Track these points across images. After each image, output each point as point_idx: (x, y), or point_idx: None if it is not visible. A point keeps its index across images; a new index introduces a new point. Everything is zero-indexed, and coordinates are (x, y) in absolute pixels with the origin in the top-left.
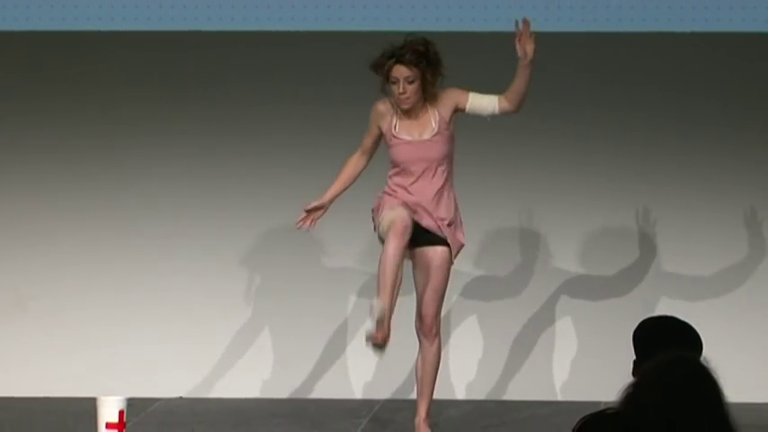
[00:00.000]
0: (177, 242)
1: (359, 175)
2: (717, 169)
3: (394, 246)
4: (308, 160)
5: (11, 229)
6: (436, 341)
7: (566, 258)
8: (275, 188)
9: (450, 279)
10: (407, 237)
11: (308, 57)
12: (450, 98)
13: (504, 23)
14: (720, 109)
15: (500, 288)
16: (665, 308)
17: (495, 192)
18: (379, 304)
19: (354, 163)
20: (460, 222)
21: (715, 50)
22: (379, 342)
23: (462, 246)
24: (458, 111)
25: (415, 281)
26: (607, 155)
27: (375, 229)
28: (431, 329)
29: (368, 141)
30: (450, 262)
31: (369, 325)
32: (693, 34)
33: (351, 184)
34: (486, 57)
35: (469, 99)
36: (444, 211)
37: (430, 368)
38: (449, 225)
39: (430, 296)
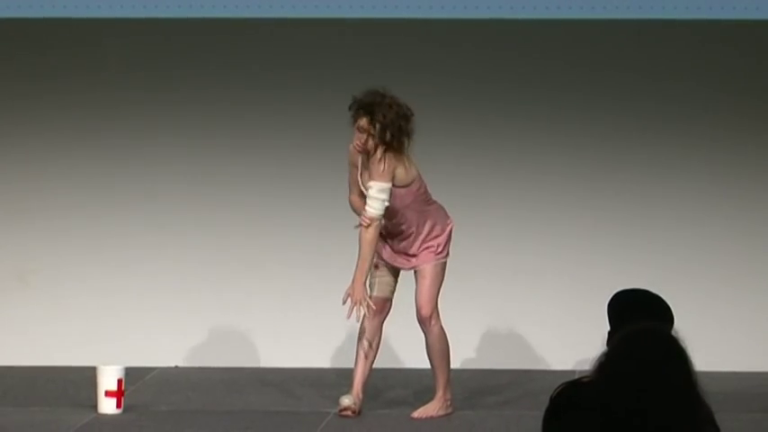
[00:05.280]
0: (173, 216)
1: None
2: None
3: (370, 325)
4: (303, 138)
5: (12, 205)
6: (434, 328)
7: (548, 233)
8: (266, 165)
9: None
10: (384, 315)
11: (304, 44)
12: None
13: (496, 10)
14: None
15: (481, 260)
16: (639, 280)
17: (482, 170)
18: (348, 398)
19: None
20: (441, 232)
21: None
22: (349, 416)
23: (446, 253)
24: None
25: (413, 271)
26: (597, 137)
27: None
28: (426, 318)
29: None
30: (439, 269)
31: (342, 400)
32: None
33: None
34: (479, 45)
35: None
36: (417, 243)
37: (434, 353)
38: (425, 247)
39: (423, 289)
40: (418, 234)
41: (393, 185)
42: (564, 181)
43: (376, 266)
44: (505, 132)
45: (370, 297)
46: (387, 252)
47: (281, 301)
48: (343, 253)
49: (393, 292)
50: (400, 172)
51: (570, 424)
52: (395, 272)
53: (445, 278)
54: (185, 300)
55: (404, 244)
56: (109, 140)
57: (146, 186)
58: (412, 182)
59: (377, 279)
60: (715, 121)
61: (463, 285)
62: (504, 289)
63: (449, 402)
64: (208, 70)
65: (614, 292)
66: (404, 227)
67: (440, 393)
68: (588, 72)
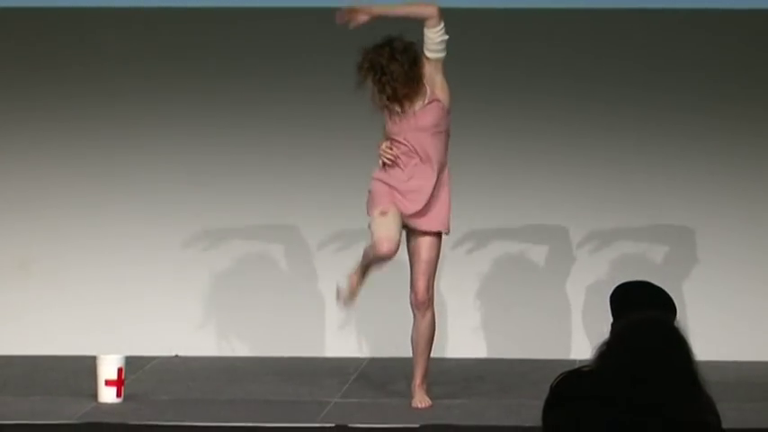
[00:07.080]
0: (173, 205)
1: None
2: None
3: (378, 259)
4: (301, 128)
5: (13, 194)
6: (428, 313)
7: (550, 222)
8: (265, 155)
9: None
10: (392, 256)
11: (307, 36)
12: (427, 69)
13: None
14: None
15: (482, 248)
16: (641, 271)
17: (486, 160)
18: (348, 283)
19: None
20: (447, 199)
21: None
22: (346, 299)
23: (447, 227)
24: (431, 68)
25: (408, 253)
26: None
27: (368, 214)
28: (422, 303)
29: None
30: (438, 243)
31: (341, 285)
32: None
33: None
34: (481, 34)
35: (426, 56)
36: (426, 195)
37: (422, 339)
38: (434, 208)
39: (420, 272)
40: (429, 181)
41: (440, 101)
42: (567, 169)
43: (383, 213)
44: (506, 123)
45: (379, 238)
46: (399, 200)
47: (282, 291)
48: (343, 242)
49: (399, 239)
50: (447, 97)
51: (570, 413)
52: (400, 224)
53: (445, 268)
54: (186, 289)
55: (416, 191)
56: (109, 130)
57: (146, 175)
58: (448, 112)
59: (380, 219)
60: (722, 112)
61: (463, 273)
62: (505, 277)
63: (427, 388)
64: (207, 62)
65: (616, 282)
66: (418, 159)
67: (419, 380)
68: (593, 63)
